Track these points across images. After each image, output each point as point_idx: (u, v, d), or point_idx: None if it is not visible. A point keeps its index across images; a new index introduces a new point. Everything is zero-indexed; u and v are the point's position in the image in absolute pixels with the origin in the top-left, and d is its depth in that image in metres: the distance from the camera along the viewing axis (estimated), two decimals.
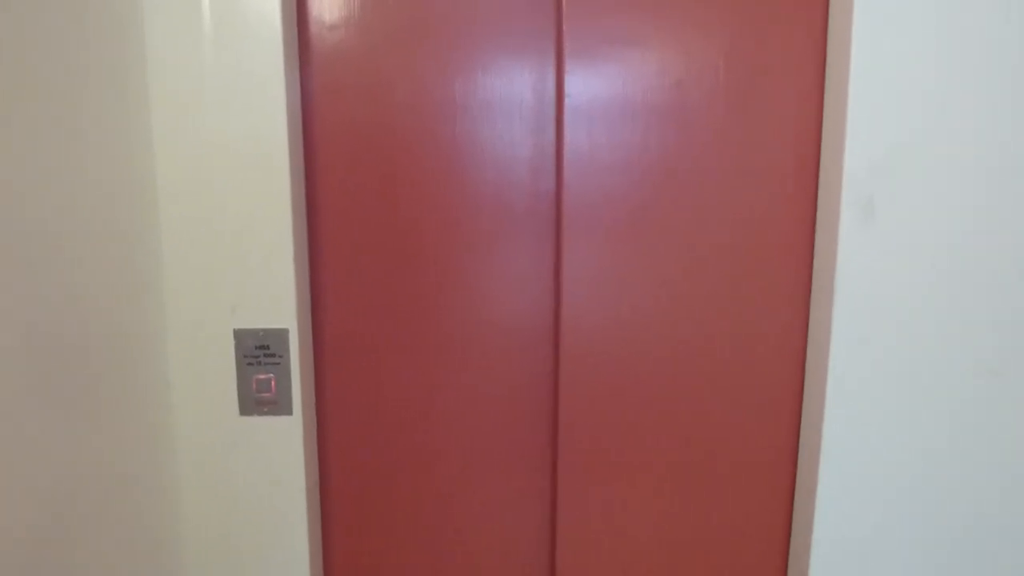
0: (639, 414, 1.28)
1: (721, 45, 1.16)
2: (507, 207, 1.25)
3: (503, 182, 1.24)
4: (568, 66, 1.17)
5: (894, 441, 1.17)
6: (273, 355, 1.21)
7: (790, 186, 1.19)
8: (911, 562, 1.20)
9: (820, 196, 1.18)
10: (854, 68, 1.07)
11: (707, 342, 1.25)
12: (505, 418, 1.32)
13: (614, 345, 1.26)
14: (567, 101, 1.18)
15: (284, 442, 1.21)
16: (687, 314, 1.24)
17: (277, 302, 1.19)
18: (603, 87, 1.18)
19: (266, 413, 1.22)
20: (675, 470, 1.30)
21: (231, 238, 1.17)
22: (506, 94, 1.21)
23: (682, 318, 1.25)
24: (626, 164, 1.20)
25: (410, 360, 1.30)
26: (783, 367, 1.25)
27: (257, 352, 1.21)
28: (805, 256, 1.21)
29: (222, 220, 1.16)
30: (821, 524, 1.19)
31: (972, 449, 1.16)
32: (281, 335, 1.20)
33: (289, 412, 1.21)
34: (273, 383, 1.21)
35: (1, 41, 0.84)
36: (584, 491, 1.31)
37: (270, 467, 1.22)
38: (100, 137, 1.03)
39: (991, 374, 1.14)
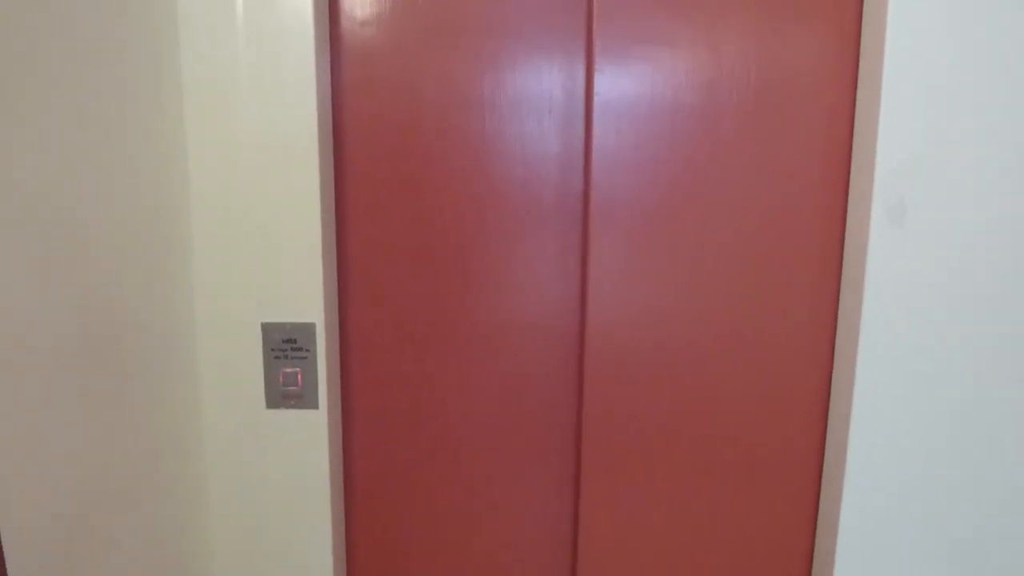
0: (664, 409, 1.28)
1: (753, 44, 1.16)
2: (535, 204, 1.25)
3: (531, 179, 1.24)
4: (598, 64, 1.17)
5: (922, 442, 1.16)
6: (300, 349, 1.21)
7: (820, 185, 1.19)
8: (935, 559, 1.20)
9: (850, 196, 1.18)
10: (887, 68, 1.06)
11: (734, 340, 1.25)
12: (530, 412, 1.33)
13: (640, 341, 1.26)
14: (596, 99, 1.18)
15: (310, 435, 1.22)
16: (715, 312, 1.24)
17: (304, 296, 1.19)
18: (633, 86, 1.18)
19: (292, 407, 1.22)
20: (699, 465, 1.30)
21: (260, 232, 1.18)
22: (535, 92, 1.21)
23: (709, 316, 1.24)
24: (654, 162, 1.20)
25: (436, 355, 1.30)
26: (810, 366, 1.25)
27: (284, 346, 1.21)
28: (834, 256, 1.21)
29: (251, 214, 1.17)
30: (847, 522, 1.19)
31: (1003, 451, 1.16)
32: (308, 329, 1.21)
33: (315, 406, 1.22)
34: (300, 377, 1.22)
35: (33, 37, 0.84)
36: (607, 485, 1.31)
37: (296, 460, 1.22)
38: (133, 133, 1.04)
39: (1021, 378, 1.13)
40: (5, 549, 0.76)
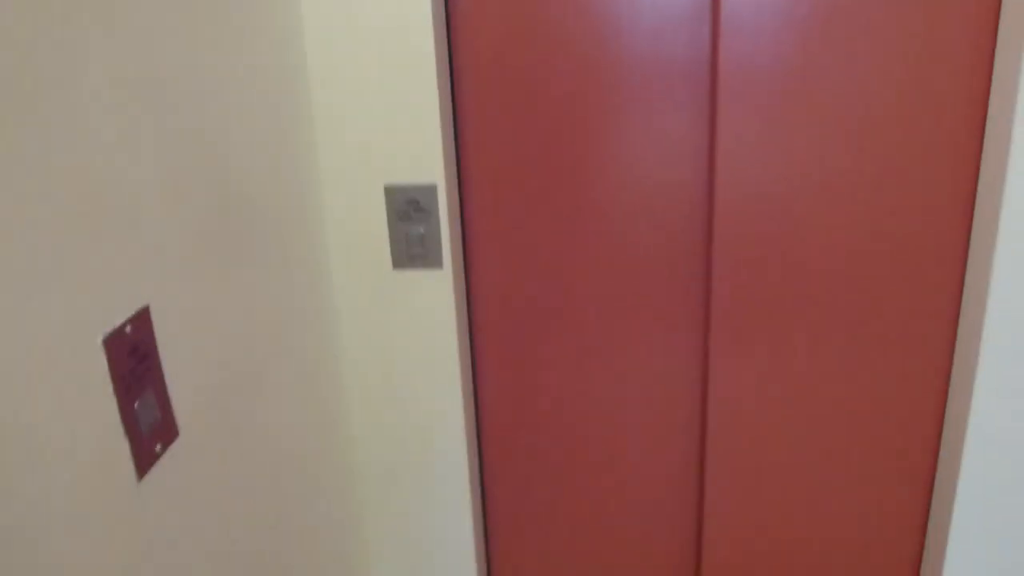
0: (792, 287, 1.29)
1: None
2: (660, 70, 1.22)
3: (656, 43, 1.20)
4: None
5: None
6: (423, 210, 1.25)
7: (966, 55, 1.14)
8: None
9: (995, 69, 1.12)
10: None
11: (867, 219, 1.24)
12: (655, 281, 1.35)
13: (769, 217, 1.25)
14: None
15: (436, 292, 1.29)
16: (847, 188, 1.22)
17: (425, 158, 1.21)
18: None
19: (418, 266, 1.28)
20: (827, 343, 1.31)
21: (380, 100, 1.18)
22: None
23: (842, 192, 1.23)
24: (788, 25, 1.15)
25: (557, 217, 1.33)
26: (947, 235, 1.23)
27: (407, 207, 1.25)
28: (977, 124, 1.16)
29: (370, 80, 1.17)
30: (979, 402, 1.20)
31: None
32: (430, 191, 1.24)
33: (440, 265, 1.28)
34: (423, 237, 1.27)
35: None
36: (736, 359, 1.34)
37: (424, 315, 1.30)
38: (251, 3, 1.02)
39: None
40: (171, 388, 0.84)
